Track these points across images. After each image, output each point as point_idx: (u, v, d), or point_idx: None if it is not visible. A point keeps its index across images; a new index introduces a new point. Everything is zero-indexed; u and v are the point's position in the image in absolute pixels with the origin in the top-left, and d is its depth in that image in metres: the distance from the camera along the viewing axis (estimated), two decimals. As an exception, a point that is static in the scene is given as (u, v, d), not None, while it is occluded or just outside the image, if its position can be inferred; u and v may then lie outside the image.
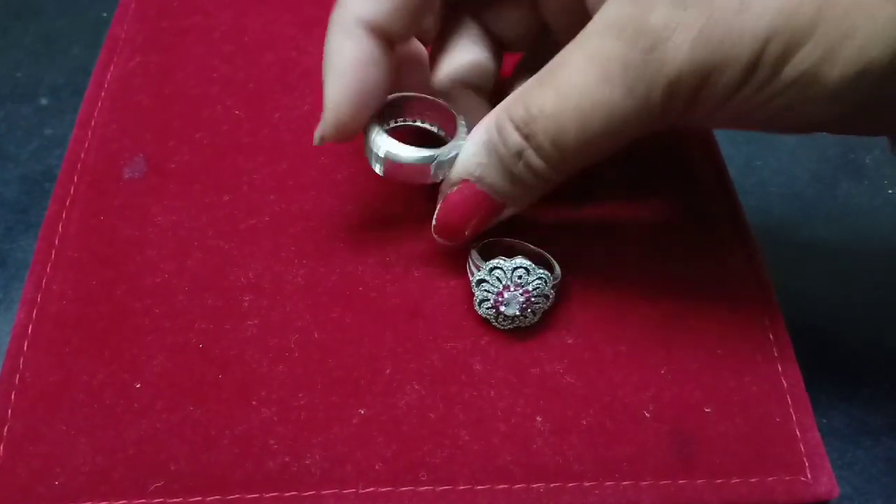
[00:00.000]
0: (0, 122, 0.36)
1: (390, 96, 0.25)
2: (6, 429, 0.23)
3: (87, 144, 0.30)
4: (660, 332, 0.25)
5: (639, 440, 0.23)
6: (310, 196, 0.28)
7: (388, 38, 0.24)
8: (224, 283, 0.26)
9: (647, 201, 0.29)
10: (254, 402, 0.24)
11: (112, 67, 0.32)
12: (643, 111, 0.20)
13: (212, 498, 0.22)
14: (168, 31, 0.34)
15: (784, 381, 0.25)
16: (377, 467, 0.23)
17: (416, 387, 0.24)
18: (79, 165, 0.29)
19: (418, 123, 0.27)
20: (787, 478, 0.23)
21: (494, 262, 0.24)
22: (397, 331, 0.25)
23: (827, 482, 0.23)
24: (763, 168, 0.36)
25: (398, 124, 0.26)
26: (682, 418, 0.24)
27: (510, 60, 0.30)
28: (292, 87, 0.32)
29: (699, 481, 0.23)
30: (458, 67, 0.27)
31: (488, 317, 0.25)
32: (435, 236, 0.25)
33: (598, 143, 0.21)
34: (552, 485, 0.22)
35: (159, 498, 0.22)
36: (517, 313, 0.24)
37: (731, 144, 0.34)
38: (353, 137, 0.25)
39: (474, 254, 0.25)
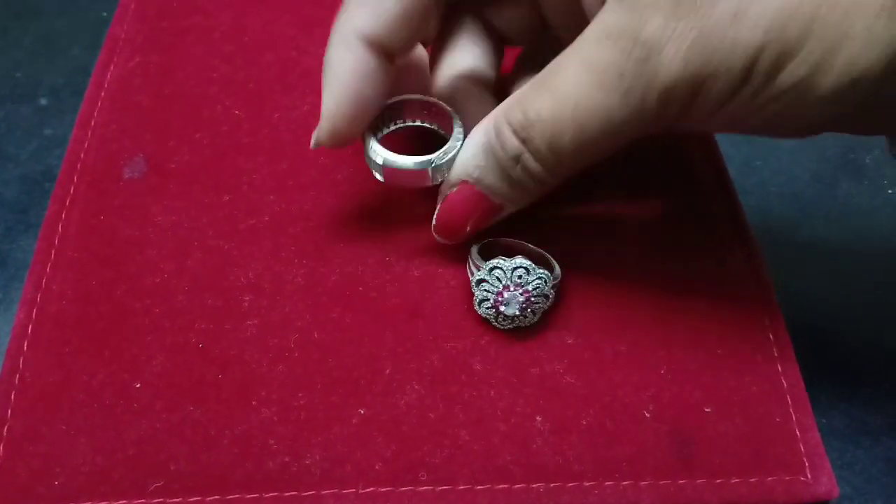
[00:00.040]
0: (0, 123, 0.36)
1: (389, 100, 0.26)
2: (6, 429, 0.23)
3: (86, 144, 0.30)
4: (660, 332, 0.25)
5: (639, 440, 0.23)
6: (310, 196, 0.28)
7: (387, 51, 0.24)
8: (224, 283, 0.26)
9: (647, 201, 0.29)
10: (254, 402, 0.24)
11: (112, 67, 0.32)
12: (638, 117, 0.21)
13: (211, 498, 0.22)
14: (168, 31, 0.34)
15: (784, 381, 0.25)
16: (377, 467, 0.23)
17: (416, 387, 0.24)
18: (79, 165, 0.29)
19: (417, 123, 0.27)
20: (787, 478, 0.23)
21: (494, 261, 0.24)
22: (397, 331, 0.25)
23: (827, 482, 0.23)
24: (763, 168, 0.36)
25: (398, 127, 0.27)
26: (681, 418, 0.24)
27: (511, 53, 0.30)
28: (292, 88, 0.32)
29: (699, 481, 0.23)
30: (460, 70, 0.27)
31: (488, 317, 0.25)
32: (435, 235, 0.26)
33: (594, 147, 0.22)
34: (552, 485, 0.22)
35: (159, 498, 0.22)
36: (517, 313, 0.24)
37: (731, 144, 0.34)
38: (349, 144, 0.25)
39: (474, 254, 0.25)
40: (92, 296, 0.26)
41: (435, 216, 0.25)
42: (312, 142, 0.25)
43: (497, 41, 0.28)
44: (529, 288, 0.24)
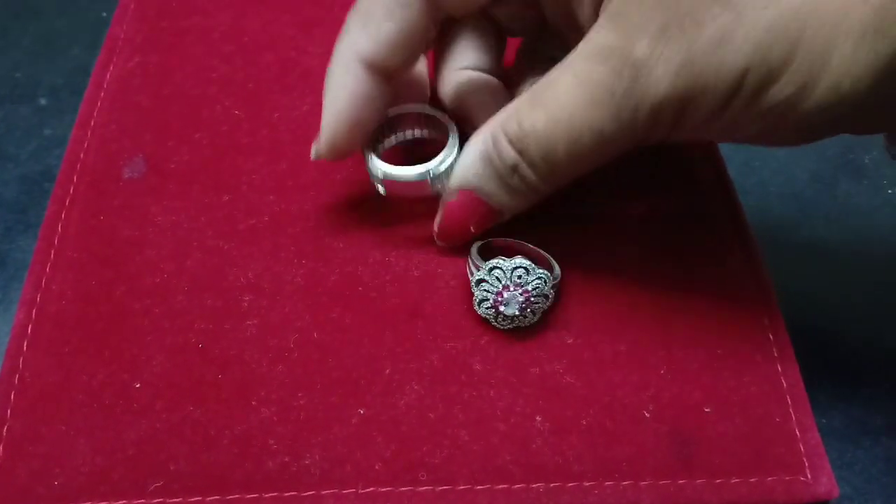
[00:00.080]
0: (-1, 123, 0.36)
1: (388, 112, 0.27)
2: (5, 429, 0.23)
3: (86, 144, 0.30)
4: (660, 332, 0.25)
5: (638, 440, 0.23)
6: (309, 196, 0.28)
7: (386, 72, 0.25)
8: (223, 284, 0.26)
9: (647, 201, 0.29)
10: (253, 403, 0.24)
11: (111, 67, 0.32)
12: (628, 132, 0.21)
13: (211, 498, 0.22)
14: (167, 31, 0.34)
15: (784, 381, 0.25)
16: (377, 467, 0.23)
17: (416, 387, 0.24)
18: (78, 165, 0.29)
19: (416, 135, 0.28)
20: (787, 478, 0.23)
21: (494, 261, 0.24)
22: (397, 331, 0.25)
23: (826, 482, 0.23)
24: (763, 168, 0.36)
25: (397, 141, 0.28)
26: (681, 418, 0.24)
27: (511, 43, 0.30)
28: (292, 88, 0.32)
29: (699, 481, 0.23)
30: (464, 70, 0.27)
31: (488, 317, 0.25)
32: (437, 241, 0.27)
33: (587, 159, 0.23)
34: (552, 485, 0.22)
35: (159, 498, 0.22)
36: (516, 313, 0.24)
37: (731, 145, 0.34)
38: (347, 157, 0.26)
39: (474, 254, 0.25)
40: (91, 296, 0.26)
41: (436, 223, 0.26)
42: (312, 154, 0.26)
43: (498, 34, 0.28)
44: (529, 288, 0.24)
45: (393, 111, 0.27)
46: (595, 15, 0.22)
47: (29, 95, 0.37)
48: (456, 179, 0.25)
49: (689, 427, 0.24)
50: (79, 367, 0.24)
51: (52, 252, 0.27)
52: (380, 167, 0.26)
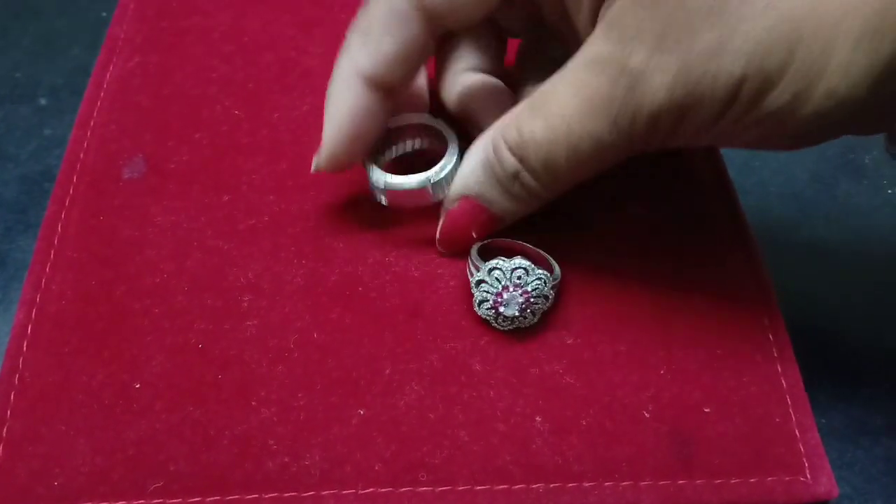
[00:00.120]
0: (-1, 123, 0.36)
1: (389, 124, 0.27)
2: (5, 429, 0.23)
3: (86, 145, 0.30)
4: (659, 332, 0.25)
5: (638, 440, 0.23)
6: (309, 196, 0.28)
7: (386, 88, 0.25)
8: (223, 284, 0.26)
9: (647, 201, 0.29)
10: (253, 403, 0.24)
11: (111, 68, 0.32)
12: (627, 140, 0.22)
13: (211, 498, 0.22)
14: (167, 31, 0.34)
15: (783, 382, 0.25)
16: (376, 468, 0.23)
17: (416, 387, 0.24)
18: (78, 166, 0.29)
19: (416, 146, 0.28)
20: (787, 478, 0.23)
21: (493, 262, 0.24)
22: (397, 331, 0.25)
23: (826, 482, 0.23)
24: (762, 168, 0.36)
25: (398, 154, 0.28)
26: (681, 418, 0.24)
27: (513, 42, 0.30)
28: (291, 88, 0.32)
29: (698, 481, 0.23)
30: (466, 83, 0.27)
31: (488, 317, 0.25)
32: (439, 247, 0.27)
33: (586, 167, 0.23)
34: (552, 485, 0.22)
35: (159, 498, 0.22)
36: (516, 314, 0.24)
37: (731, 144, 0.34)
38: (348, 169, 0.26)
39: (474, 254, 0.25)
40: (91, 296, 0.26)
41: (438, 230, 0.26)
42: (313, 167, 0.26)
43: (499, 35, 0.28)
44: (528, 289, 0.24)
45: (393, 123, 0.27)
46: (592, 23, 0.23)
47: (29, 95, 0.37)
48: (457, 187, 0.25)
49: (689, 427, 0.24)
50: (78, 368, 0.24)
51: (52, 252, 0.27)
52: (381, 178, 0.26)
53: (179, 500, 0.22)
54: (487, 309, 0.24)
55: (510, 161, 0.24)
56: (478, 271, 0.24)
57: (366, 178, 0.27)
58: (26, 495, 0.22)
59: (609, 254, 0.27)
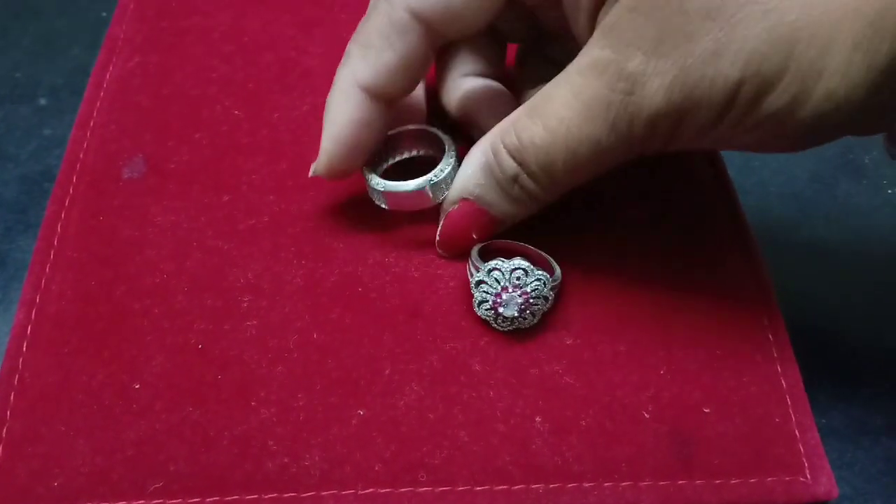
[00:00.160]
0: (-1, 123, 0.36)
1: (388, 132, 0.27)
2: (5, 429, 0.23)
3: (86, 145, 0.30)
4: (659, 332, 0.25)
5: (638, 440, 0.23)
6: (309, 196, 0.28)
7: (385, 99, 0.25)
8: (223, 284, 0.26)
9: (647, 201, 0.29)
10: (253, 403, 0.24)
11: (111, 68, 0.32)
12: (625, 144, 0.22)
13: (211, 499, 0.22)
14: (167, 31, 0.34)
15: (783, 382, 0.25)
16: (376, 468, 0.23)
17: (416, 387, 0.24)
18: (78, 166, 0.29)
19: (414, 154, 0.28)
20: (787, 478, 0.23)
21: (493, 263, 0.24)
22: (396, 331, 0.25)
23: (826, 482, 0.23)
24: (762, 168, 0.36)
25: (395, 161, 0.28)
26: (681, 419, 0.24)
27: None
28: (291, 88, 0.32)
29: (698, 482, 0.23)
30: (468, 88, 0.27)
31: (487, 318, 0.25)
32: (439, 250, 0.27)
33: (585, 170, 0.23)
34: (551, 485, 0.22)
35: (158, 499, 0.22)
36: (516, 314, 0.24)
37: (731, 144, 0.34)
38: (345, 178, 0.27)
39: (474, 255, 0.25)
40: (91, 296, 0.26)
41: (438, 233, 0.26)
42: (311, 172, 0.26)
43: (499, 40, 0.29)
44: (528, 289, 0.24)
45: (394, 131, 0.28)
46: (590, 28, 0.23)
47: (29, 95, 0.37)
48: (457, 189, 0.25)
49: (689, 427, 0.24)
50: (78, 368, 0.24)
51: (52, 252, 0.27)
52: (380, 182, 0.26)
53: (179, 500, 0.22)
54: (487, 309, 0.24)
55: (510, 164, 0.24)
56: (477, 272, 0.24)
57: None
58: (26, 495, 0.22)
59: (609, 254, 0.27)
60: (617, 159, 0.23)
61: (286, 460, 0.23)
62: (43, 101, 0.37)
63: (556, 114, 0.22)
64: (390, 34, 0.24)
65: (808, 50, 0.19)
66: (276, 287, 0.26)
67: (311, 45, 0.34)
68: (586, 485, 0.22)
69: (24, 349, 0.24)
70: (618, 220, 0.28)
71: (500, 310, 0.24)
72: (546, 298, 0.24)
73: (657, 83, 0.20)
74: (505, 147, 0.24)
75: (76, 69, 0.38)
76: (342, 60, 0.25)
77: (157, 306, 0.25)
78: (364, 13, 0.26)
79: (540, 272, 0.24)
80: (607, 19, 0.21)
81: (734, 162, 0.33)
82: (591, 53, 0.22)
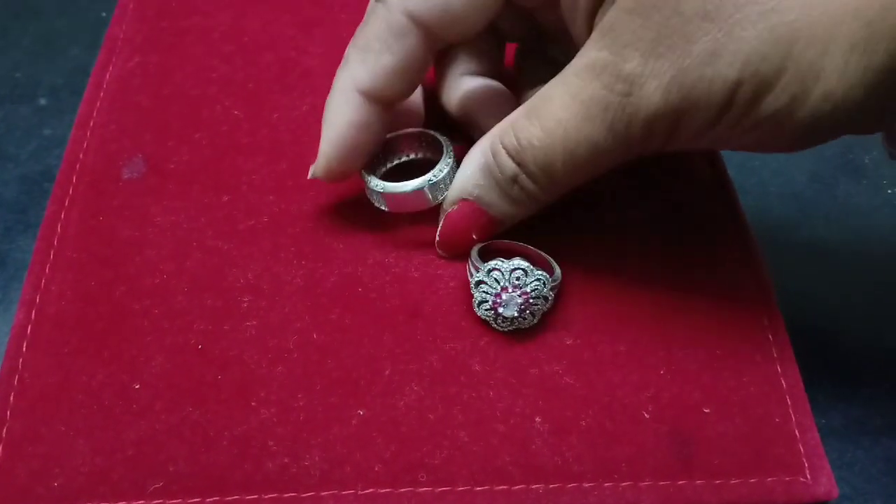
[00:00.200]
0: (-1, 123, 0.36)
1: (387, 136, 0.27)
2: (5, 430, 0.23)
3: (85, 145, 0.30)
4: (659, 332, 0.25)
5: (638, 441, 0.23)
6: (309, 196, 0.28)
7: (384, 102, 0.25)
8: (223, 284, 0.26)
9: (647, 201, 0.29)
10: (253, 403, 0.24)
11: (111, 68, 0.32)
12: (623, 145, 0.22)
13: (211, 499, 0.22)
14: (167, 31, 0.34)
15: (783, 382, 0.25)
16: (376, 468, 0.23)
17: (416, 388, 0.24)
18: (78, 166, 0.29)
19: (412, 157, 0.29)
20: (787, 478, 0.23)
21: (493, 263, 0.24)
22: (396, 332, 0.25)
23: (826, 482, 0.23)
24: (762, 168, 0.36)
25: (394, 164, 0.28)
26: (681, 419, 0.24)
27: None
28: (291, 88, 0.32)
29: (698, 482, 0.23)
30: (468, 87, 0.27)
31: (487, 318, 0.25)
32: (438, 250, 0.27)
33: (584, 171, 0.23)
34: (551, 485, 0.22)
35: (158, 499, 0.22)
36: (515, 315, 0.24)
37: (731, 144, 0.34)
38: (344, 180, 0.27)
39: (474, 255, 0.25)
40: (91, 296, 0.26)
41: (438, 233, 0.26)
42: (309, 174, 0.26)
43: (497, 39, 0.29)
44: (528, 290, 0.24)
45: (392, 134, 0.28)
46: (588, 30, 0.23)
47: (29, 95, 0.37)
48: (456, 190, 0.25)
49: (689, 427, 0.24)
50: (78, 368, 0.24)
51: (52, 252, 0.27)
52: (379, 184, 0.26)
53: (179, 500, 0.22)
54: (487, 310, 0.24)
55: (509, 165, 0.24)
56: (477, 272, 0.24)
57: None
58: (26, 495, 0.22)
59: (609, 254, 0.27)
60: (615, 160, 0.23)
61: (286, 460, 0.23)
62: (43, 101, 0.37)
63: (554, 115, 0.22)
64: (388, 38, 0.24)
65: (807, 50, 0.19)
66: (276, 287, 0.26)
67: (311, 45, 0.34)
68: (586, 485, 0.22)
69: (24, 349, 0.24)
70: (618, 221, 0.28)
71: (500, 310, 0.24)
72: (546, 298, 0.24)
73: (655, 84, 0.20)
74: (504, 148, 0.24)
75: (76, 69, 0.38)
76: (341, 64, 0.26)
77: (156, 306, 0.25)
78: (364, 13, 0.26)
79: (540, 272, 0.24)
80: (605, 21, 0.21)
81: (734, 162, 0.33)
82: (589, 55, 0.22)
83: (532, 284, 0.24)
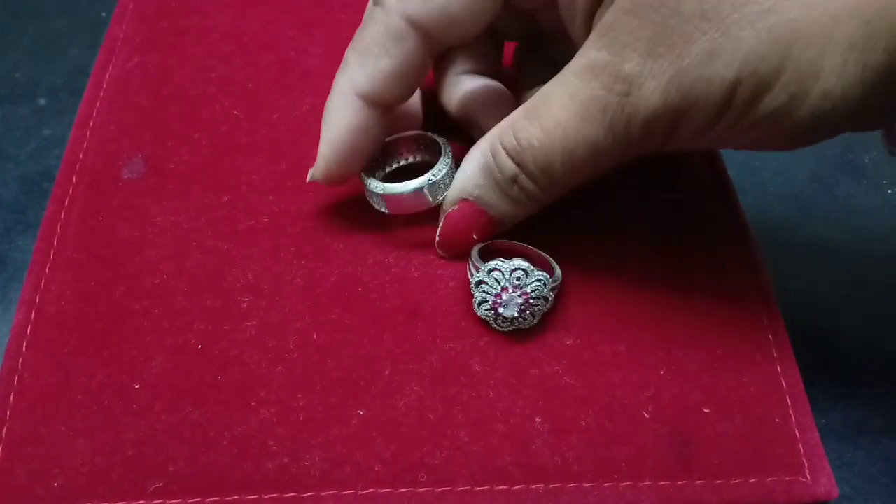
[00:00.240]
0: (-1, 123, 0.36)
1: (386, 138, 0.27)
2: (5, 430, 0.23)
3: (85, 145, 0.30)
4: (659, 332, 0.25)
5: (638, 441, 0.23)
6: (309, 196, 0.28)
7: (383, 105, 0.25)
8: (223, 284, 0.26)
9: (647, 201, 0.29)
10: (253, 404, 0.24)
11: (110, 68, 0.32)
12: (622, 145, 0.22)
13: (211, 499, 0.22)
14: (167, 31, 0.34)
15: (783, 382, 0.25)
16: (376, 468, 0.23)
17: (416, 388, 0.24)
18: (77, 166, 0.29)
19: (411, 160, 0.29)
20: (787, 478, 0.23)
21: (493, 263, 0.24)
22: (396, 332, 0.25)
23: (826, 483, 0.23)
24: (762, 168, 0.36)
25: (393, 168, 0.29)
26: (681, 419, 0.24)
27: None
28: (291, 88, 0.32)
29: (698, 482, 0.23)
30: (467, 87, 0.27)
31: (487, 318, 0.25)
32: (438, 251, 0.27)
33: (583, 171, 0.23)
34: (551, 486, 0.22)
35: (158, 499, 0.22)
36: (515, 315, 0.24)
37: (731, 144, 0.34)
38: (342, 183, 0.27)
39: (474, 255, 0.25)
40: (91, 296, 0.26)
41: (438, 233, 0.26)
42: (308, 177, 0.26)
43: (495, 39, 0.29)
44: (528, 290, 0.24)
45: (391, 137, 0.28)
46: (587, 30, 0.23)
47: (28, 95, 0.37)
48: (456, 190, 0.25)
49: (689, 427, 0.24)
50: (78, 368, 0.24)
51: (52, 252, 0.27)
52: (378, 186, 0.26)
53: (179, 500, 0.22)
54: (487, 310, 0.24)
55: (508, 165, 0.24)
56: (477, 272, 0.24)
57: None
58: (26, 496, 0.22)
59: (609, 254, 0.27)
60: (615, 160, 0.23)
61: (286, 460, 0.23)
62: (42, 101, 0.37)
63: (554, 115, 0.22)
64: (387, 42, 0.24)
65: (805, 50, 0.19)
66: (276, 287, 0.26)
67: (311, 45, 0.34)
68: (586, 485, 0.23)
69: (24, 349, 0.24)
70: (618, 221, 0.28)
71: (500, 310, 0.24)
72: (546, 299, 0.24)
73: (653, 84, 0.20)
74: (503, 148, 0.24)
75: (76, 69, 0.38)
76: (340, 67, 0.26)
77: (156, 307, 0.25)
78: (364, 14, 0.26)
79: (540, 273, 0.24)
80: (603, 21, 0.21)
81: (734, 162, 0.33)
82: (588, 55, 0.22)
83: (532, 285, 0.24)
